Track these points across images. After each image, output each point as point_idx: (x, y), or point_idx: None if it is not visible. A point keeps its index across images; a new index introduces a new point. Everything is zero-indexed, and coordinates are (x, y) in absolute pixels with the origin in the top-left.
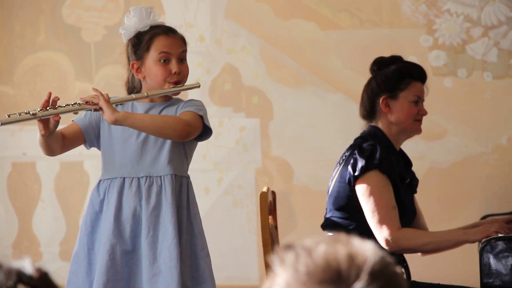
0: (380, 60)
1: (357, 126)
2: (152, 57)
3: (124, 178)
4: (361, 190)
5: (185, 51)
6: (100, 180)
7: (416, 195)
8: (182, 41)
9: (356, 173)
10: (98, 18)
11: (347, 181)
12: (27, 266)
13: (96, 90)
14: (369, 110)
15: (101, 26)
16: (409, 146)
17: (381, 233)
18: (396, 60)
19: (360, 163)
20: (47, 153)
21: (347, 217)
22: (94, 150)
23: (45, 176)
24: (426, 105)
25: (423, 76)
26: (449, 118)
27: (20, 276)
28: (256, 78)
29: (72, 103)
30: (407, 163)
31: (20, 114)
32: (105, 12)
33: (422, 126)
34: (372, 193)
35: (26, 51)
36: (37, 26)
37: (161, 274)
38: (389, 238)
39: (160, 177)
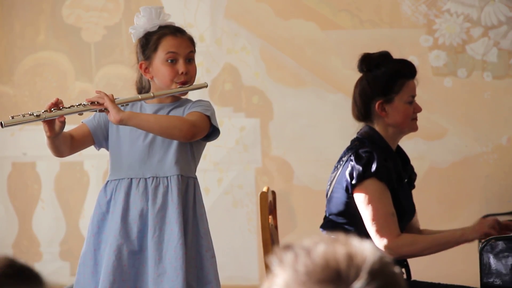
0: (368, 58)
1: (357, 126)
2: (159, 57)
3: (131, 179)
4: (359, 199)
5: (193, 51)
6: (108, 181)
7: (416, 195)
8: (190, 41)
9: (354, 181)
10: (98, 18)
11: (344, 188)
12: None
13: (100, 92)
14: (363, 113)
15: (101, 26)
16: (409, 146)
17: (381, 241)
18: (384, 58)
19: (357, 171)
20: (56, 154)
21: (345, 222)
22: (94, 150)
23: (45, 176)
24: (426, 105)
25: (413, 72)
26: (449, 118)
27: None
28: (256, 78)
29: (77, 104)
30: (405, 160)
31: (24, 116)
32: (105, 12)
33: (422, 126)
34: (370, 201)
35: (26, 51)
36: (37, 26)
37: (166, 275)
38: (388, 246)
39: (167, 177)
